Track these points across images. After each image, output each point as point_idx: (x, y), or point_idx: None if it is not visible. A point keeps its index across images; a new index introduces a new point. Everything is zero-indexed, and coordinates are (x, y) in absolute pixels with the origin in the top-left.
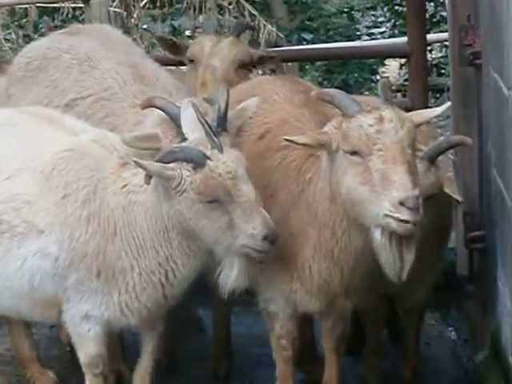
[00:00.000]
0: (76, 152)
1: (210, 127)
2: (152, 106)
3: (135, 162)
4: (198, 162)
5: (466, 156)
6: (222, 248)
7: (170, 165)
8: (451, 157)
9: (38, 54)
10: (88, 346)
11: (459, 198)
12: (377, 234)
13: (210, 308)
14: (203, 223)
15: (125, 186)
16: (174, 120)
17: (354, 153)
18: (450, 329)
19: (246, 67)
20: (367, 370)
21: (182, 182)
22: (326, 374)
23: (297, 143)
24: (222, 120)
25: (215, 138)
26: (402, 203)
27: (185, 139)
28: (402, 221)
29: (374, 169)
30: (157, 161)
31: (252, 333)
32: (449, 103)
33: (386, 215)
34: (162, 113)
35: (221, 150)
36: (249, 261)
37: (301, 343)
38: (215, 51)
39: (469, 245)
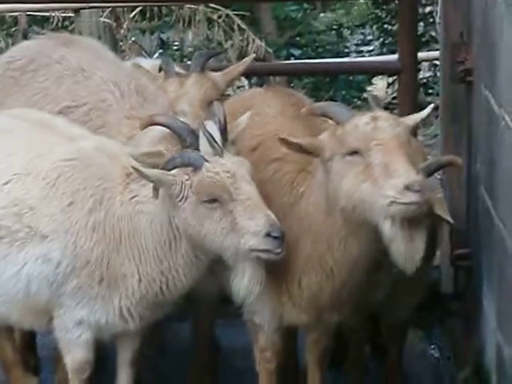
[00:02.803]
0: (82, 160)
1: (212, 137)
2: (154, 125)
3: (134, 168)
4: (195, 164)
5: (453, 174)
6: (230, 253)
7: (171, 172)
8: (438, 176)
9: (23, 55)
10: (77, 352)
11: (451, 220)
12: (386, 226)
13: (188, 320)
14: (207, 228)
15: (134, 197)
16: (179, 134)
17: (352, 153)
18: (433, 346)
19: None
20: None
21: (183, 186)
22: None
23: (290, 142)
24: (224, 131)
25: (216, 145)
26: (407, 187)
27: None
28: (409, 204)
29: (375, 163)
30: (159, 169)
31: (235, 345)
32: (432, 105)
33: (392, 202)
34: (162, 130)
35: (221, 155)
36: (259, 265)
37: (284, 356)
38: (180, 94)
39: (454, 262)
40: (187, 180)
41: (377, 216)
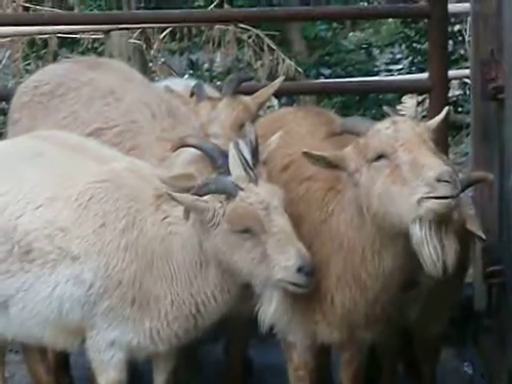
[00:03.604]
0: (113, 182)
1: (247, 162)
2: (186, 146)
3: (169, 194)
4: (230, 192)
5: (485, 191)
6: (258, 281)
7: (204, 197)
8: (469, 194)
9: (51, 79)
10: (110, 372)
11: (483, 236)
12: (416, 229)
13: (221, 341)
14: (237, 256)
15: (165, 217)
16: (210, 156)
17: (378, 157)
18: (467, 364)
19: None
20: None
21: (215, 213)
22: None
23: (315, 156)
24: (256, 152)
25: (251, 172)
26: (438, 179)
27: (221, 173)
28: (441, 198)
29: (402, 162)
30: (192, 194)
31: (268, 363)
32: (447, 108)
33: (423, 199)
34: (193, 151)
35: (256, 183)
36: (287, 294)
37: (318, 375)
38: (212, 118)
39: (487, 279)
40: (220, 208)
41: (407, 217)
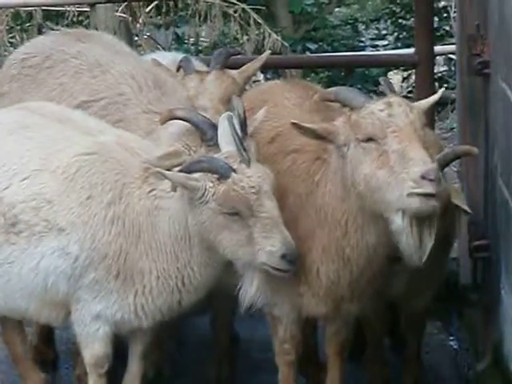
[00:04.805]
0: (100, 155)
1: (241, 142)
2: (175, 118)
3: (159, 172)
4: (222, 173)
5: (470, 166)
6: (241, 262)
7: (195, 175)
8: (454, 168)
9: (38, 52)
10: (95, 346)
11: (468, 209)
12: (397, 219)
13: (207, 314)
14: (223, 235)
15: (151, 190)
16: (200, 129)
17: (368, 140)
18: (452, 338)
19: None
20: (371, 378)
21: (206, 192)
22: (329, 378)
23: (303, 127)
24: (244, 125)
25: (244, 153)
26: (423, 177)
27: (209, 145)
28: (425, 196)
29: (391, 150)
30: (182, 170)
31: (254, 337)
32: (442, 89)
33: (409, 194)
34: (181, 124)
35: (248, 165)
36: (268, 277)
37: (304, 348)
38: (200, 90)
39: (473, 254)
40: (211, 187)
41: (390, 207)
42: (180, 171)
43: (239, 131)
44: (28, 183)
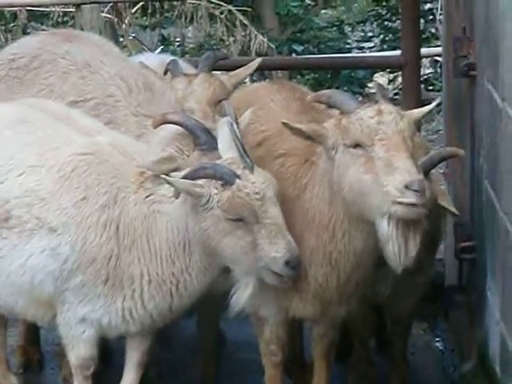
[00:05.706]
0: (97, 156)
1: (243, 148)
2: (168, 123)
3: (164, 179)
4: (227, 179)
5: (457, 168)
6: (241, 268)
7: (199, 182)
8: (440, 170)
9: (26, 52)
10: (80, 348)
11: (455, 211)
12: (383, 224)
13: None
14: (226, 241)
15: (149, 195)
16: (193, 133)
17: (356, 145)
18: (437, 339)
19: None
20: (357, 380)
21: (210, 199)
22: (315, 380)
23: (293, 127)
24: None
25: (248, 159)
26: (407, 186)
27: (203, 150)
28: (408, 205)
29: (377, 158)
30: (186, 176)
31: (240, 338)
32: (437, 100)
33: (393, 202)
34: (172, 128)
35: (251, 171)
36: (262, 283)
37: (290, 349)
38: (188, 93)
39: (459, 255)
40: (216, 194)
41: (375, 212)
42: (184, 177)
43: (240, 137)
44: (23, 179)
